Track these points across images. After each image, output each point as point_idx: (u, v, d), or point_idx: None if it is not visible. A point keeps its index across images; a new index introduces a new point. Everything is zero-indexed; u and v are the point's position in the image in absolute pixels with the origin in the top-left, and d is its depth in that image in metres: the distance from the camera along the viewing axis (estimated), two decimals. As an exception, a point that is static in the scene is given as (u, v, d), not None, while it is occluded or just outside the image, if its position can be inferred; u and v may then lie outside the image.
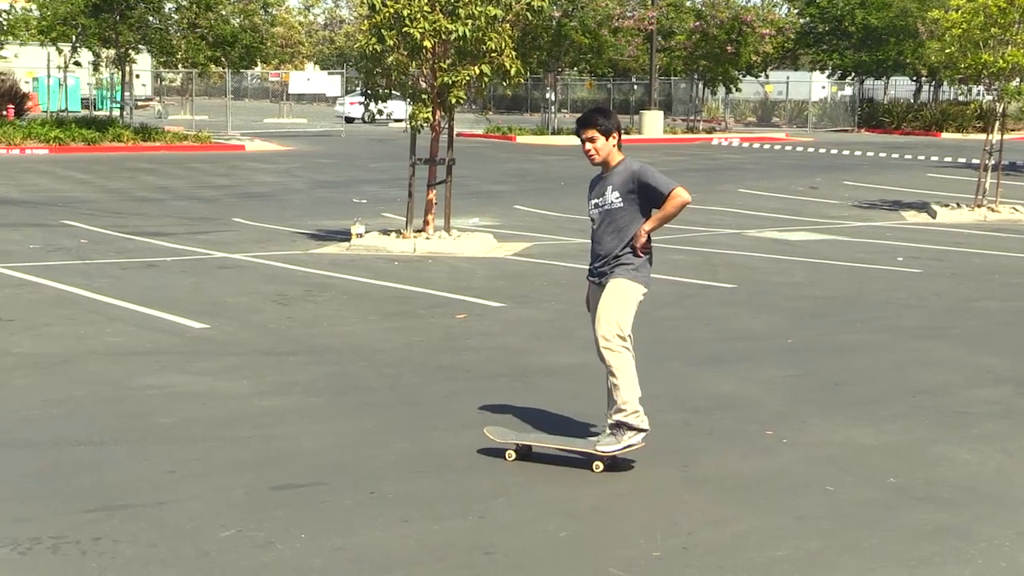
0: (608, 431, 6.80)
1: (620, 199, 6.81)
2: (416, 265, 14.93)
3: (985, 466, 6.99)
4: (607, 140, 6.85)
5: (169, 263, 14.65)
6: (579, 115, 7.19)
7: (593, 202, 6.95)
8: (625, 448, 6.74)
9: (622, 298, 6.80)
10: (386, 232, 16.98)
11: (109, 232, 17.46)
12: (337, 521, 5.92)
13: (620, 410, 6.72)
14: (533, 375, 9.15)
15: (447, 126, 16.81)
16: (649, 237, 6.84)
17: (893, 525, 5.96)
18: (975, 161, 25.99)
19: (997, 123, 21.74)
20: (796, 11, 56.14)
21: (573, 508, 6.19)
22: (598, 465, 6.77)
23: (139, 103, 48.17)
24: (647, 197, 6.79)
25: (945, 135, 49.60)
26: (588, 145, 6.89)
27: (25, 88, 43.02)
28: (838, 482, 6.62)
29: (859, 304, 12.42)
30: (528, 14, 16.65)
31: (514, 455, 6.89)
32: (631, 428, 6.72)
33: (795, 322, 11.42)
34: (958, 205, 22.14)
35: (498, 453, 6.90)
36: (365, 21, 16.72)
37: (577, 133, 6.98)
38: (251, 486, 6.42)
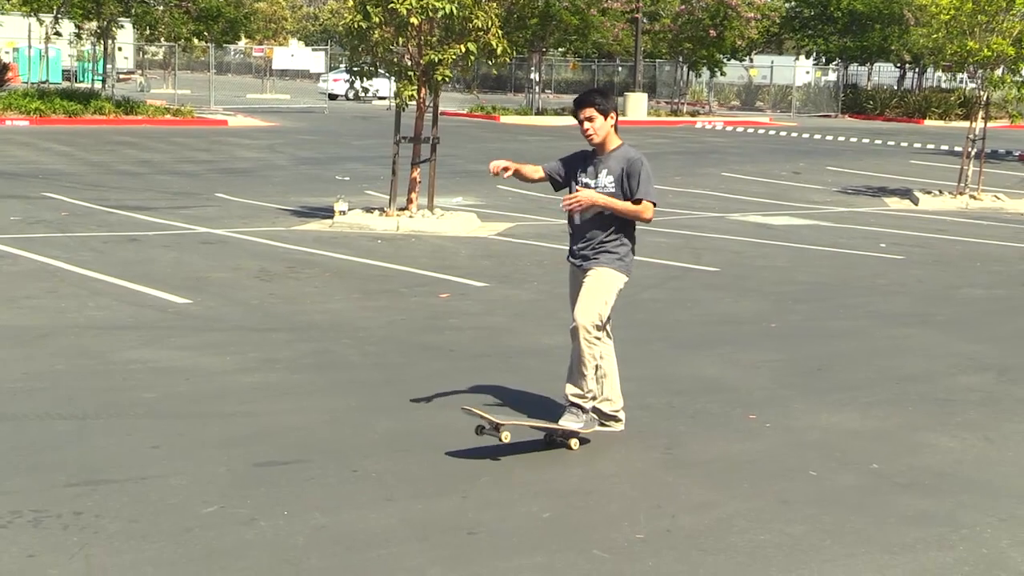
0: (569, 409, 6.84)
1: (613, 184, 6.79)
2: (399, 243, 14.89)
3: (968, 453, 7.01)
4: (605, 120, 6.83)
5: (151, 237, 14.57)
6: (575, 96, 7.17)
7: (583, 180, 6.91)
8: (587, 428, 6.82)
9: (605, 288, 6.80)
10: (369, 210, 16.92)
11: (90, 205, 17.35)
12: (320, 499, 5.90)
13: (582, 396, 6.78)
14: (516, 355, 9.13)
15: (432, 104, 16.75)
16: (624, 227, 6.82)
17: (876, 511, 5.98)
18: (958, 149, 26.09)
19: (980, 111, 21.80)
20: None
21: (557, 489, 6.18)
22: (575, 443, 6.79)
23: (121, 76, 47.85)
24: (629, 184, 6.79)
25: (928, 122, 49.72)
26: (587, 125, 6.84)
27: (5, 59, 42.72)
28: (822, 467, 6.63)
29: (842, 290, 12.45)
30: (515, -7, 16.60)
31: (484, 432, 6.69)
32: (584, 410, 6.82)
33: (778, 306, 11.43)
34: (941, 192, 22.20)
35: (482, 434, 6.86)
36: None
37: (574, 113, 6.96)
38: (234, 462, 6.39)
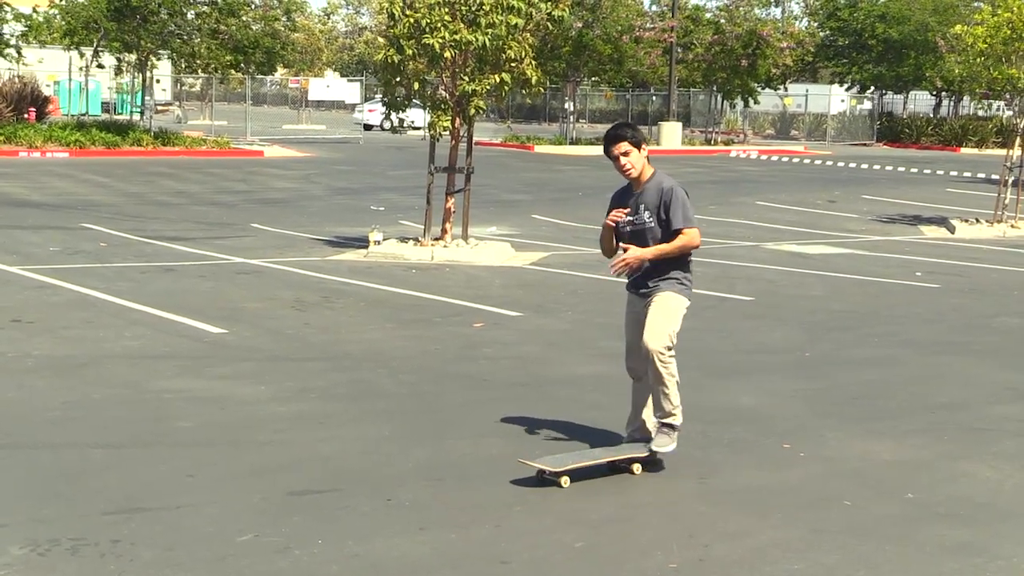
0: (658, 431, 6.90)
1: (652, 218, 6.83)
2: (433, 273, 14.95)
3: (1005, 483, 6.96)
4: (639, 151, 6.86)
5: (187, 268, 14.70)
6: (606, 129, 7.17)
7: (628, 218, 6.92)
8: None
9: (673, 311, 6.86)
10: (404, 240, 17.00)
11: (128, 236, 17.51)
12: (354, 528, 5.92)
13: (670, 414, 6.85)
14: (550, 385, 9.13)
15: (466, 134, 16.83)
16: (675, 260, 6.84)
17: (912, 541, 5.94)
18: (994, 177, 25.93)
19: (1018, 139, 21.68)
20: (816, 24, 56.07)
21: (590, 518, 6.18)
22: (637, 468, 6.87)
23: (159, 108, 48.30)
24: (665, 217, 6.82)
25: (964, 150, 49.43)
26: (624, 160, 6.86)
27: (46, 91, 43.18)
28: (856, 496, 6.60)
29: (877, 318, 12.39)
30: (548, 24, 16.66)
31: (568, 480, 6.63)
32: (674, 428, 6.89)
33: (813, 335, 11.39)
34: (977, 221, 22.08)
35: (515, 463, 6.86)
36: (384, 34, 16.76)
37: (606, 151, 6.94)
38: (269, 491, 6.42)
